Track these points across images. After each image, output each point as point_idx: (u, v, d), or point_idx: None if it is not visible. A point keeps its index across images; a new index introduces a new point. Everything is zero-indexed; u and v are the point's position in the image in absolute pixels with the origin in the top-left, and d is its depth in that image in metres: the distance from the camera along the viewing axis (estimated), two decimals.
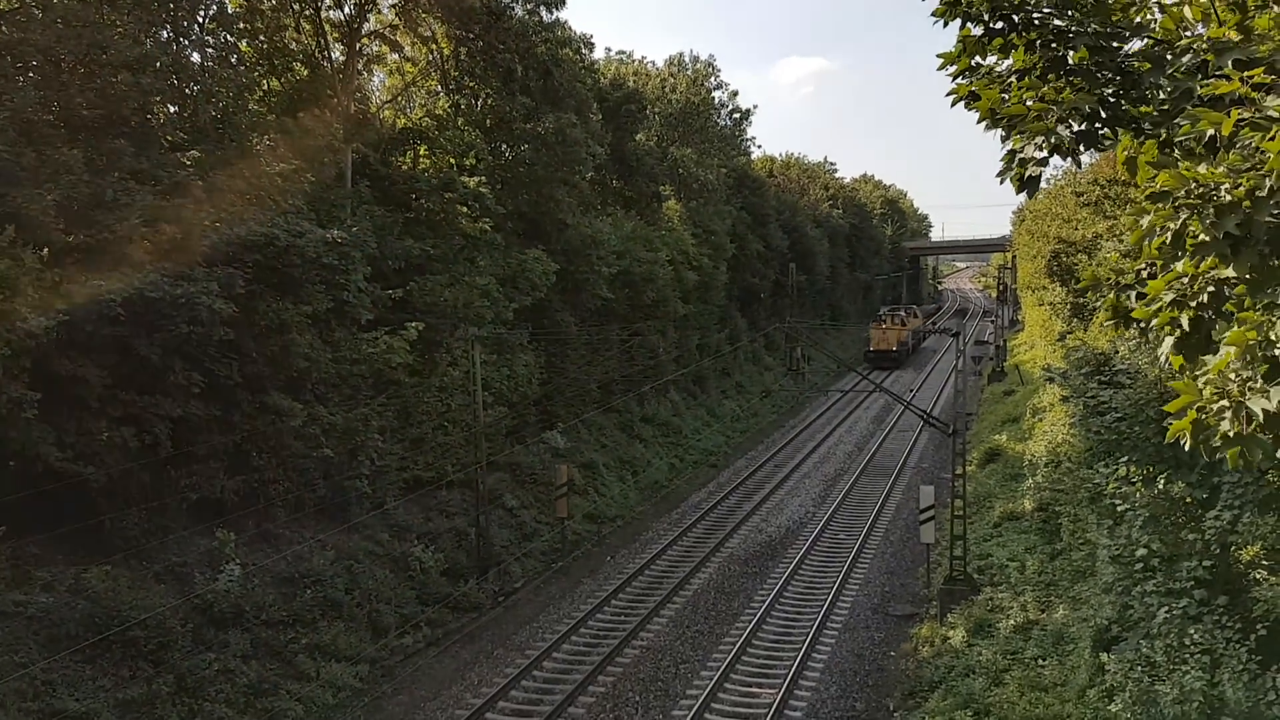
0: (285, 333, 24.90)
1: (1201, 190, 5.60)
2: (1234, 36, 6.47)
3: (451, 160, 37.78)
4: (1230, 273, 5.74)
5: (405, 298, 30.98)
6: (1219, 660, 13.99)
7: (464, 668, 24.40)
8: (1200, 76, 6.40)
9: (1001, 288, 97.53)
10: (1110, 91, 6.93)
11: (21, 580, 19.69)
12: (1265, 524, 14.59)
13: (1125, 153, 7.07)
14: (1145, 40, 7.05)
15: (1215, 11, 6.97)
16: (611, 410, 44.81)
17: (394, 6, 36.51)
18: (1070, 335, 41.62)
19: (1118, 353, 23.12)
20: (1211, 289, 6.02)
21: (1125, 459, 17.91)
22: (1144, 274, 7.15)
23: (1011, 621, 23.34)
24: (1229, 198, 5.50)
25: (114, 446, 21.00)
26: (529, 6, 40.00)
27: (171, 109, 25.79)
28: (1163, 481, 16.36)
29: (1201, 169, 5.68)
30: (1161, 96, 6.71)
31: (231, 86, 26.53)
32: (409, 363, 29.84)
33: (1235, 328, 5.82)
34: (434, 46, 38.11)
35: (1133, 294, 7.12)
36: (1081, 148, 6.97)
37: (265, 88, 33.28)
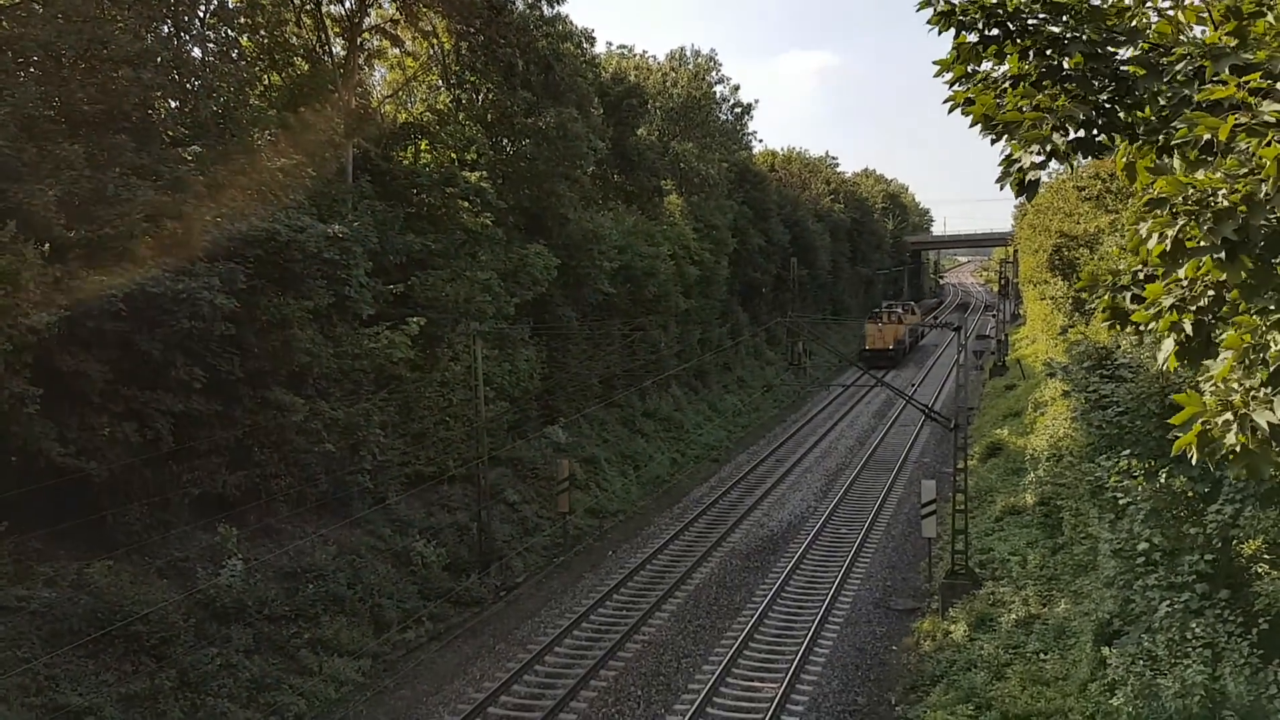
0: (287, 328, 24.90)
1: (1199, 196, 5.60)
2: (1230, 42, 6.46)
3: (453, 155, 37.78)
4: (1223, 276, 5.74)
5: (407, 293, 30.99)
6: (1220, 654, 13.99)
7: (466, 662, 24.43)
8: (1197, 83, 6.40)
9: (1003, 282, 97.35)
10: (1105, 98, 6.93)
11: (24, 575, 19.72)
12: (1267, 518, 14.58)
13: (1124, 158, 7.07)
14: (1140, 45, 7.04)
15: (1210, 15, 6.96)
16: (613, 405, 44.82)
17: (395, 1, 36.49)
18: (1072, 329, 41.61)
19: (1119, 347, 23.10)
20: (1212, 293, 6.02)
21: (1127, 453, 17.90)
22: (1140, 275, 7.15)
23: (1013, 616, 23.35)
24: (1226, 203, 5.51)
25: (116, 442, 21.02)
26: (530, 1, 39.95)
27: (172, 104, 25.75)
28: (1164, 475, 16.35)
29: (1199, 174, 5.68)
30: (1161, 102, 6.70)
31: (232, 81, 26.49)
32: (410, 358, 29.86)
33: (1232, 331, 5.83)
34: (435, 41, 38.05)
35: (1128, 295, 7.12)
36: (1079, 155, 6.98)
37: (266, 83, 33.26)
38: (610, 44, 66.78)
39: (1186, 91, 6.47)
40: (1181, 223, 5.68)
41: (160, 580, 21.80)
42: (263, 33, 32.85)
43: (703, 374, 58.22)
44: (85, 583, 20.30)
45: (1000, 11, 7.11)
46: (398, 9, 36.57)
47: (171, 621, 20.76)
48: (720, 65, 70.68)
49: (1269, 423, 5.54)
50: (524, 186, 40.33)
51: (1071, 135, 6.82)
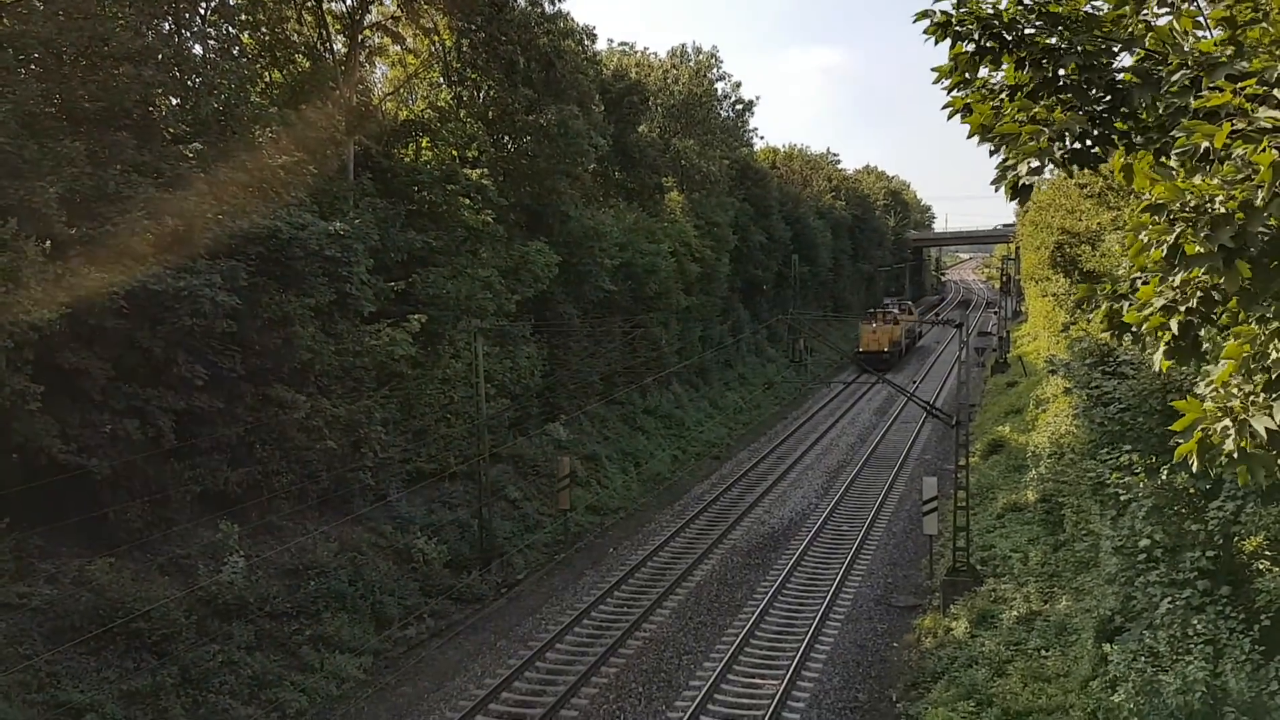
0: (288, 325, 24.91)
1: (1196, 202, 5.61)
2: (1226, 51, 6.47)
3: (454, 152, 37.74)
4: (1218, 280, 5.76)
5: (408, 290, 30.99)
6: (1222, 650, 13.98)
7: (467, 659, 24.45)
8: (1194, 92, 6.41)
9: (1005, 279, 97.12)
10: (1101, 109, 6.95)
11: (25, 572, 19.74)
12: (1268, 515, 14.57)
13: (1122, 159, 7.09)
14: (1136, 53, 7.06)
15: (1206, 22, 6.96)
16: (614, 402, 44.82)
17: None
18: (1074, 326, 41.55)
19: (1121, 344, 23.06)
20: (1200, 294, 6.04)
21: (1128, 449, 17.88)
22: (1139, 283, 7.18)
23: (1014, 612, 23.36)
24: (1223, 209, 5.52)
25: (117, 439, 21.02)
26: None
27: (173, 101, 25.74)
28: (1166, 472, 16.32)
29: (1196, 181, 5.69)
30: (1159, 109, 6.72)
31: (233, 79, 26.45)
32: (412, 355, 29.86)
33: (1231, 340, 5.84)
34: (436, 38, 38.02)
35: (1125, 304, 7.15)
36: (1074, 167, 7.03)
37: (267, 80, 33.25)
38: (611, 41, 66.73)
39: (1182, 101, 6.49)
40: (1179, 229, 5.70)
41: (162, 577, 21.82)
42: (264, 30, 32.84)
43: (704, 371, 58.21)
44: (87, 580, 20.32)
45: (995, 23, 7.14)
46: (399, 6, 36.54)
47: (173, 618, 20.78)
48: (721, 62, 70.64)
49: (1267, 428, 5.56)
50: (525, 184, 40.31)
51: (1067, 147, 6.86)
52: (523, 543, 32.11)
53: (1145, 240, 5.99)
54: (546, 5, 40.71)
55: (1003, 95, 7.30)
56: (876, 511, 36.94)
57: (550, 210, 41.05)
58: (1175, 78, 6.52)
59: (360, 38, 35.75)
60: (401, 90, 40.43)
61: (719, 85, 69.96)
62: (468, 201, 35.34)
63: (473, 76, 39.32)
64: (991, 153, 7.12)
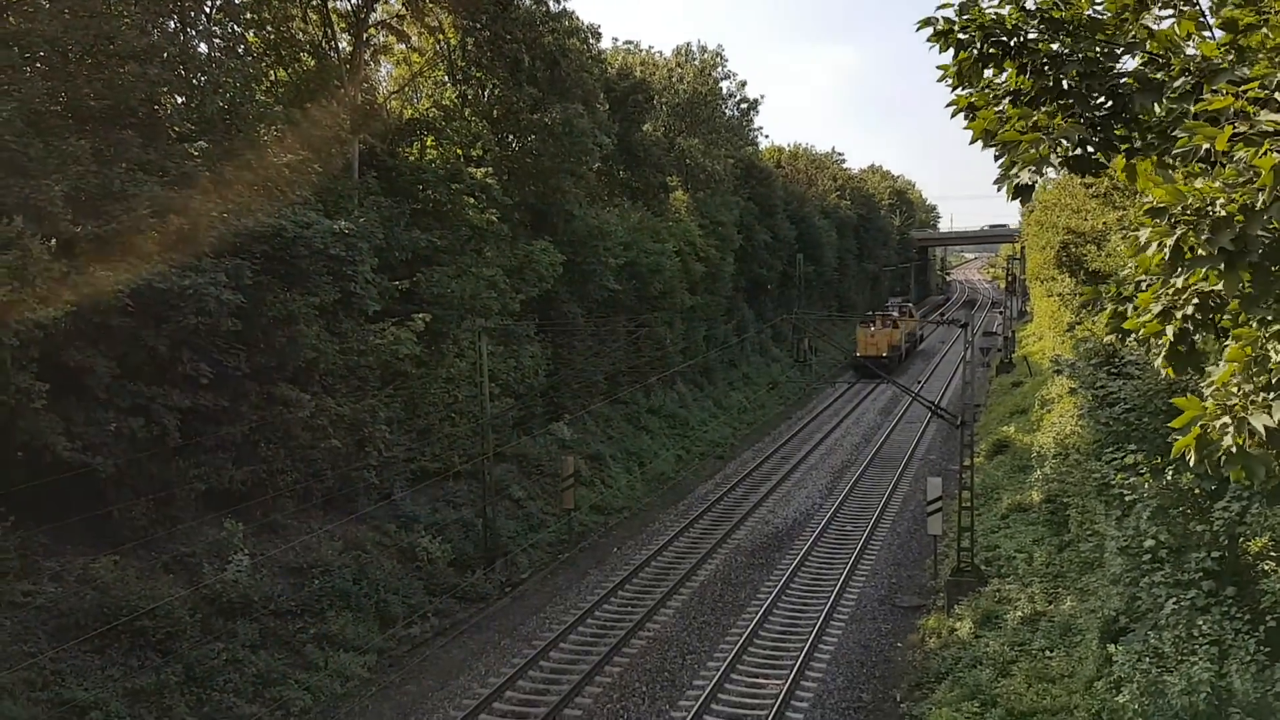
0: (293, 324, 24.94)
1: (1197, 205, 5.62)
2: (1228, 57, 6.48)
3: (458, 151, 37.77)
4: (1217, 285, 5.77)
5: (412, 289, 31.02)
6: (1227, 651, 13.94)
7: (471, 658, 24.46)
8: (1194, 98, 6.42)
9: (1010, 279, 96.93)
10: (1101, 115, 6.97)
11: (30, 570, 19.78)
12: (1274, 515, 14.52)
13: (1124, 159, 7.10)
14: (1139, 57, 7.07)
15: (1210, 24, 6.96)
16: (618, 402, 44.82)
17: None
18: (1079, 326, 41.50)
19: (1126, 344, 23.02)
20: (1196, 301, 6.05)
21: (1133, 449, 17.85)
22: (1143, 285, 7.19)
23: (1019, 613, 23.31)
24: (1223, 212, 5.52)
25: (122, 437, 21.07)
26: None
27: (179, 100, 25.80)
28: (1171, 473, 16.29)
29: (1198, 184, 5.71)
30: (1159, 113, 6.74)
31: (239, 77, 26.49)
32: (416, 354, 29.88)
33: (1232, 343, 5.85)
34: (441, 37, 38.06)
35: (1129, 306, 7.16)
36: (1076, 170, 7.05)
37: (272, 78, 33.29)
38: (616, 40, 66.82)
39: (1183, 106, 6.50)
40: (1180, 232, 5.71)
41: (166, 575, 21.86)
42: (269, 28, 32.89)
43: (708, 371, 58.17)
44: (91, 578, 20.36)
45: (997, 30, 7.16)
46: (404, 4, 36.59)
47: (177, 617, 20.82)
48: (726, 61, 70.71)
49: (1265, 426, 5.57)
50: (529, 182, 40.32)
51: (1068, 154, 6.88)
52: (527, 542, 32.12)
53: (1146, 242, 6.00)
54: (551, 4, 40.77)
55: (1005, 100, 7.32)
56: (881, 512, 36.90)
57: (555, 209, 41.06)
58: (1177, 84, 6.53)
59: (365, 36, 35.79)
60: (406, 89, 40.47)
61: (724, 84, 70.00)
62: (472, 200, 35.36)
63: (477, 75, 39.36)
64: (995, 158, 7.15)
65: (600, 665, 23.46)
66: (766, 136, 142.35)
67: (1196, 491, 15.87)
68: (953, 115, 7.53)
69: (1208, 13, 7.18)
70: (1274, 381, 5.76)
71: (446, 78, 39.96)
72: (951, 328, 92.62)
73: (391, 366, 29.24)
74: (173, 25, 26.59)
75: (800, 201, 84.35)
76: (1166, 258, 5.78)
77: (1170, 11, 7.24)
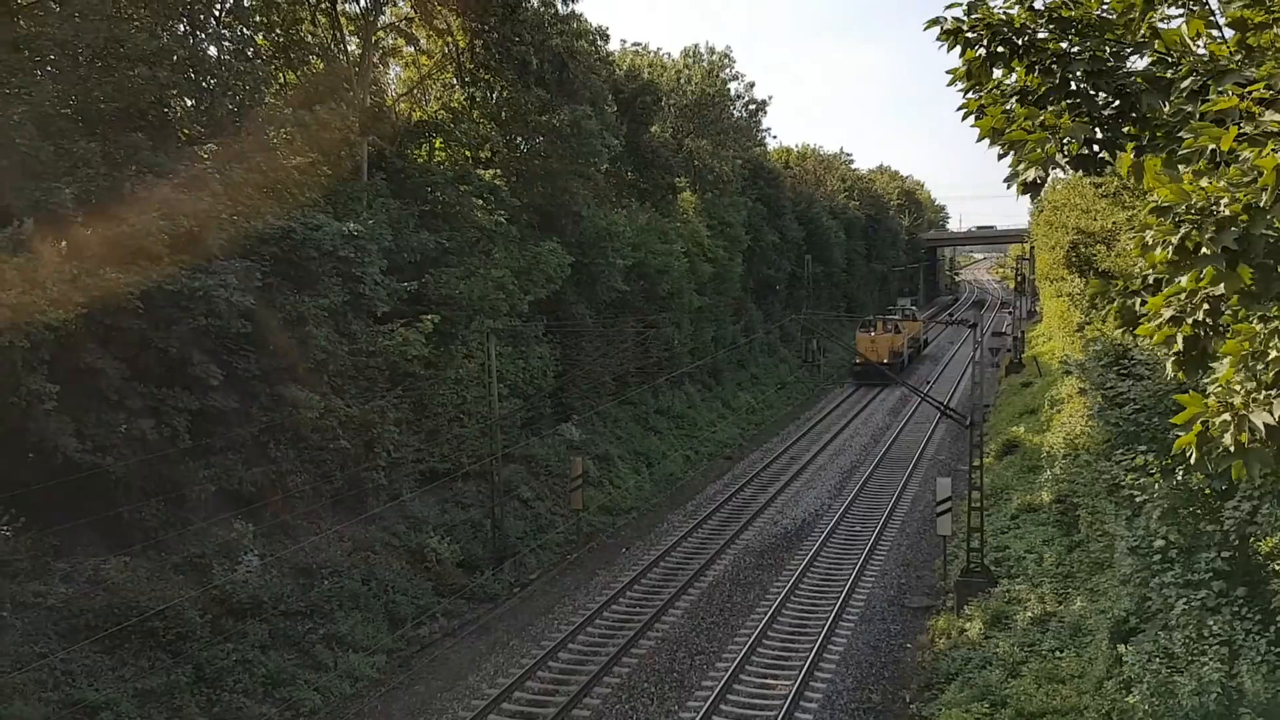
0: (303, 325, 25.02)
1: (1201, 205, 5.64)
2: (1235, 57, 6.49)
3: (467, 153, 37.83)
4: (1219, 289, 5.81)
5: (421, 290, 31.07)
6: (1238, 651, 13.90)
7: (480, 658, 24.49)
8: (1200, 99, 6.44)
9: (1019, 279, 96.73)
10: (1108, 114, 6.99)
11: (41, 571, 19.85)
12: None
13: (1133, 159, 7.11)
14: (1148, 56, 7.09)
15: (1219, 23, 6.97)
16: (626, 402, 44.83)
17: None
18: (1088, 326, 41.35)
19: (1135, 344, 22.96)
20: (1207, 305, 6.07)
21: (1143, 450, 17.80)
22: (1150, 279, 7.20)
23: (1029, 613, 23.27)
24: (1227, 212, 5.56)
25: (133, 438, 21.15)
26: None
27: (188, 102, 25.90)
28: (1181, 473, 16.24)
29: (1203, 183, 5.74)
30: (1166, 112, 6.75)
31: (248, 80, 26.59)
32: (425, 355, 29.93)
33: (1231, 339, 5.88)
34: (449, 39, 38.11)
35: (1138, 300, 7.17)
36: (1082, 169, 7.07)
37: (281, 81, 33.38)
38: (624, 41, 66.52)
39: (1190, 107, 6.52)
40: (1184, 231, 5.73)
41: (176, 576, 21.93)
42: (278, 31, 32.95)
43: (716, 371, 58.15)
44: (102, 579, 20.45)
45: (1005, 29, 7.17)
46: (412, 7, 36.65)
47: (188, 617, 20.88)
48: (734, 62, 70.57)
49: (1265, 424, 5.60)
50: (538, 184, 40.35)
51: (1073, 154, 6.90)
52: (535, 542, 32.16)
53: (1151, 241, 6.03)
54: (560, 6, 40.76)
55: (1013, 99, 7.34)
56: (890, 512, 36.85)
57: (563, 210, 41.08)
58: (1184, 84, 6.54)
59: (374, 39, 35.85)
60: (415, 91, 40.54)
61: (732, 85, 69.87)
62: (480, 202, 35.41)
63: (486, 77, 39.39)
64: (1000, 156, 7.16)
65: (609, 666, 23.47)
66: (775, 137, 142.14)
67: (1207, 492, 15.83)
68: (963, 119, 7.56)
69: (1217, 11, 7.18)
70: (1275, 378, 5.78)
71: (455, 80, 40.00)
72: (960, 328, 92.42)
73: (400, 368, 29.31)
74: (182, 28, 26.72)
75: (808, 202, 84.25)
76: (1171, 256, 5.81)
77: (1179, 11, 7.24)
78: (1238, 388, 5.87)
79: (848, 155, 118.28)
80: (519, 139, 40.91)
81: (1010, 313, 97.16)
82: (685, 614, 27.20)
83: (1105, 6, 7.29)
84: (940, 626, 25.03)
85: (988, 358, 64.99)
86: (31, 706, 17.70)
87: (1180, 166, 6.39)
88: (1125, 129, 7.06)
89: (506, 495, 32.05)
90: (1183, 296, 6.21)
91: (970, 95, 7.55)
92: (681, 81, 64.22)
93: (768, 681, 22.87)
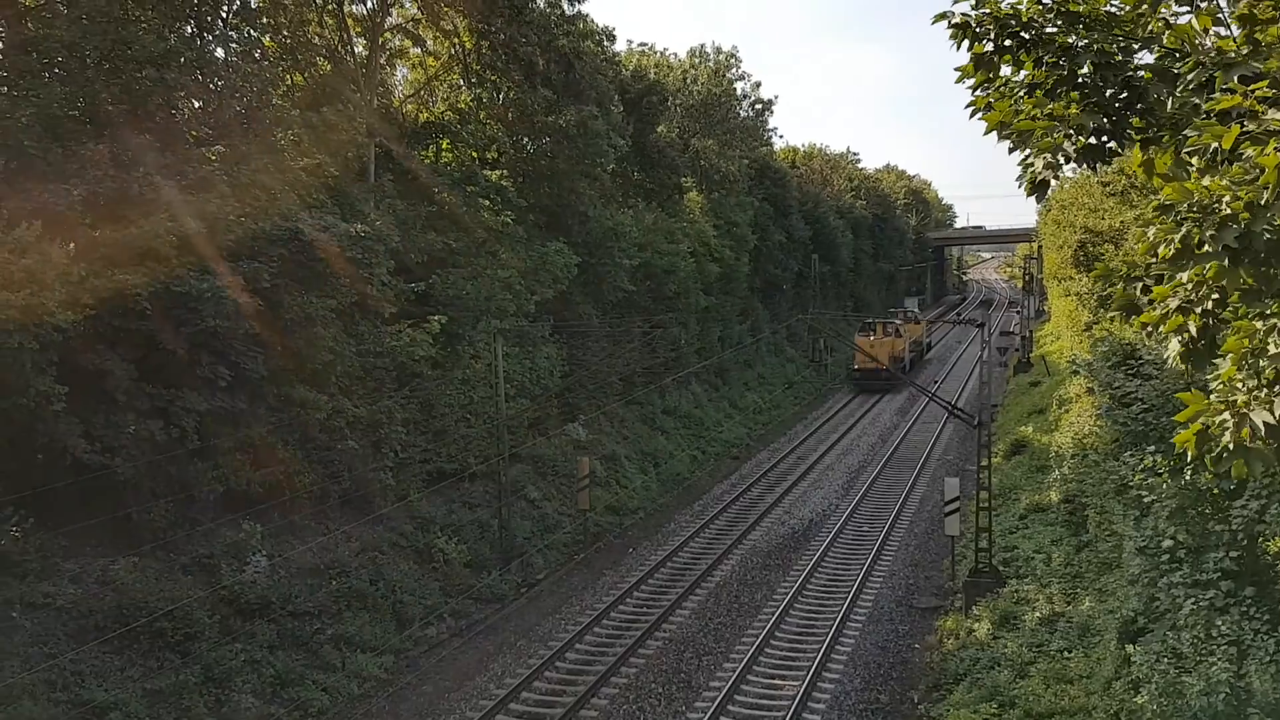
0: (310, 326, 25.06)
1: (1204, 202, 5.65)
2: (1242, 49, 6.48)
3: (473, 154, 37.90)
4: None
5: (428, 291, 31.12)
6: (1246, 651, 13.86)
7: (487, 658, 24.51)
8: (1206, 93, 6.44)
9: (1027, 278, 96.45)
10: (1116, 106, 6.99)
11: (50, 572, 19.92)
12: None
13: (1143, 154, 7.11)
14: (1156, 51, 7.09)
15: (1226, 19, 6.96)
16: (633, 402, 44.83)
17: (416, 0, 36.63)
18: (1097, 326, 41.25)
19: (1143, 344, 22.91)
20: (1216, 296, 6.08)
21: (1152, 450, 17.74)
22: (1153, 272, 7.21)
23: (1037, 614, 23.21)
24: (1229, 210, 5.56)
25: (141, 439, 21.20)
26: None
27: (196, 104, 25.96)
28: (1189, 472, 16.19)
29: (1206, 181, 5.75)
30: (1170, 108, 6.76)
31: (255, 81, 26.64)
32: (432, 355, 29.98)
33: (1232, 336, 5.89)
34: (456, 40, 38.18)
35: (1139, 286, 7.17)
36: (1090, 161, 7.07)
37: (289, 83, 33.45)
38: (630, 42, 66.76)
39: (1195, 100, 6.52)
40: (1186, 228, 5.74)
41: (185, 577, 21.99)
42: (285, 33, 33.01)
43: (723, 371, 58.13)
44: (110, 579, 20.51)
45: (1013, 22, 7.19)
46: (419, 8, 36.72)
47: (196, 618, 20.93)
48: (740, 62, 70.65)
49: (1265, 422, 5.63)
50: (544, 184, 40.39)
51: (1083, 143, 6.90)
52: (542, 543, 32.17)
53: (1154, 238, 6.04)
54: (566, 6, 40.82)
55: (1021, 93, 7.34)
56: (898, 512, 36.79)
57: (569, 211, 41.11)
58: (1190, 76, 6.54)
59: (381, 40, 35.93)
60: (422, 92, 40.61)
61: (738, 85, 69.92)
62: (487, 203, 35.46)
63: (492, 78, 39.46)
64: (1010, 150, 7.16)
65: (616, 666, 23.47)
66: (781, 137, 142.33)
67: (1215, 491, 15.79)
68: (971, 115, 7.57)
69: (1225, 8, 7.17)
70: (1276, 376, 5.79)
71: (461, 81, 40.07)
72: (968, 327, 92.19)
73: (407, 368, 29.36)
74: (190, 30, 26.77)
75: (815, 202, 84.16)
76: (1173, 253, 5.82)
77: (1187, 7, 7.23)
78: (1240, 385, 5.88)
79: (854, 154, 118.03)
80: (525, 139, 40.97)
81: (1018, 312, 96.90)
82: (692, 614, 27.19)
83: (1115, 3, 7.30)
84: (948, 627, 24.99)
85: (996, 357, 64.76)
86: (41, 707, 17.76)
87: (1189, 163, 6.40)
88: (1133, 120, 7.06)
89: (513, 495, 32.07)
90: (1189, 287, 6.22)
91: (979, 92, 7.57)
92: (688, 81, 64.26)
93: (775, 682, 22.86)
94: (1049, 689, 19.20)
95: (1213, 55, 6.57)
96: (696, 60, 67.20)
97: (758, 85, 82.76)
